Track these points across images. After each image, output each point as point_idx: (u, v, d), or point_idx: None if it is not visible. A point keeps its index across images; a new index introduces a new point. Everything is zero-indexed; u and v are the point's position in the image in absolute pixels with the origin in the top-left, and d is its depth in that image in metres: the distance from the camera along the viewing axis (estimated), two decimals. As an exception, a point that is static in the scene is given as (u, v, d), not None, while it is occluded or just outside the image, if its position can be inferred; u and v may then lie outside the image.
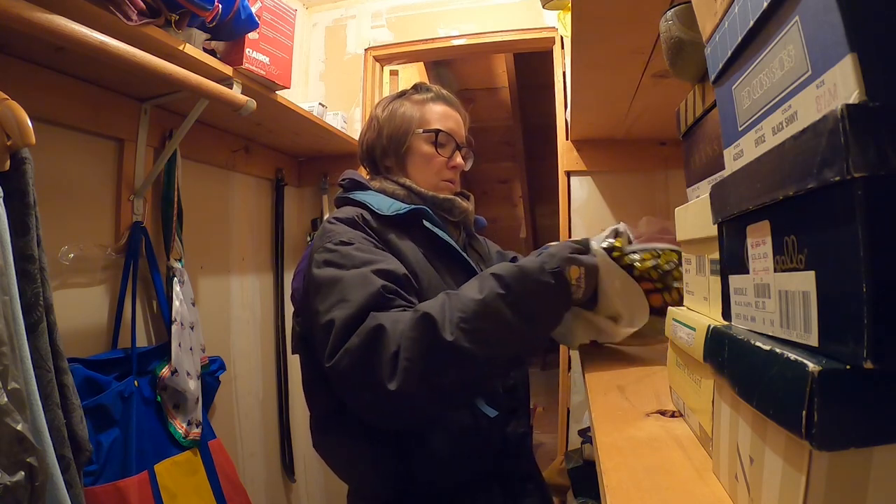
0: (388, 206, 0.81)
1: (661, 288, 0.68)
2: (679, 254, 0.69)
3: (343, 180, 0.91)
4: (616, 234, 0.72)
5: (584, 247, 0.71)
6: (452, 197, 0.90)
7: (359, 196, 0.85)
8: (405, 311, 0.66)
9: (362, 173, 0.93)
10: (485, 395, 0.77)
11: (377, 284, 0.66)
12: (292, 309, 0.76)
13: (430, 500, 0.76)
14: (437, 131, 0.89)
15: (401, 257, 0.77)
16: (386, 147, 0.91)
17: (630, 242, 0.72)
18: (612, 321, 0.70)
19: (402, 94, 0.95)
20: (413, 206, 0.82)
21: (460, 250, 0.84)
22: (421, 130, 0.89)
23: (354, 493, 0.84)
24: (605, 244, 0.70)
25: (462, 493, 0.77)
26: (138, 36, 0.86)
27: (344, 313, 0.64)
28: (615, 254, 0.69)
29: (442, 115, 0.91)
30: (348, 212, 0.81)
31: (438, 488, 0.75)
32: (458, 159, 0.92)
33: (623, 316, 0.69)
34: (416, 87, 0.96)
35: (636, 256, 0.69)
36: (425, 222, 0.82)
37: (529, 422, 0.94)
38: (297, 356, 0.84)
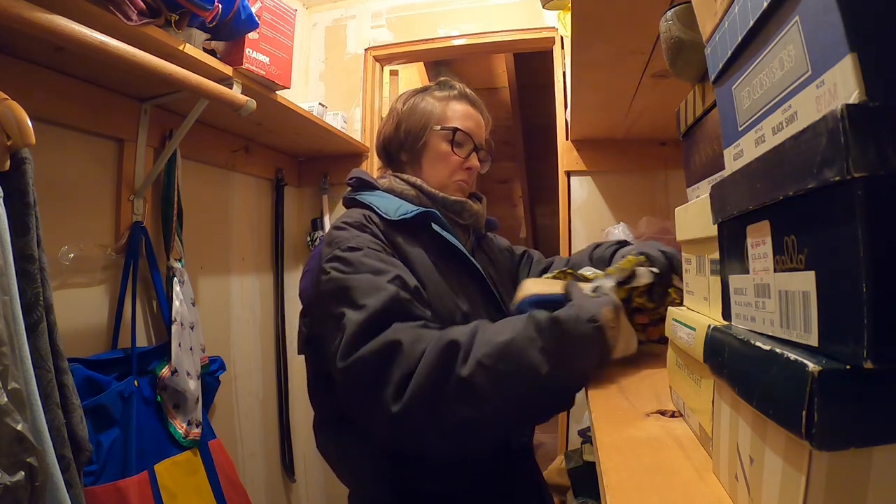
0: (395, 209, 0.79)
1: (657, 319, 0.68)
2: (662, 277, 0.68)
3: (351, 179, 0.89)
4: (629, 276, 0.68)
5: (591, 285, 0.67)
6: (464, 199, 0.88)
7: (366, 198, 0.83)
8: (427, 326, 0.63)
9: (371, 171, 0.92)
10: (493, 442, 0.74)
11: (391, 289, 0.65)
12: (292, 309, 0.76)
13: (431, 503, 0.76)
14: (455, 130, 0.87)
15: (408, 264, 0.75)
16: (402, 141, 0.90)
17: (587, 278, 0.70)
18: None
19: (425, 89, 0.93)
20: (421, 210, 0.80)
21: (468, 255, 0.83)
22: (439, 127, 0.88)
23: (355, 496, 0.83)
24: (608, 282, 0.67)
25: (462, 497, 0.76)
26: (138, 36, 0.86)
27: (359, 316, 0.62)
28: (621, 294, 0.66)
29: (463, 114, 0.89)
30: (355, 214, 0.79)
31: (438, 493, 0.75)
32: (475, 161, 0.90)
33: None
34: (441, 84, 0.94)
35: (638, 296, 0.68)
36: (434, 226, 0.80)
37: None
38: (298, 356, 0.83)
